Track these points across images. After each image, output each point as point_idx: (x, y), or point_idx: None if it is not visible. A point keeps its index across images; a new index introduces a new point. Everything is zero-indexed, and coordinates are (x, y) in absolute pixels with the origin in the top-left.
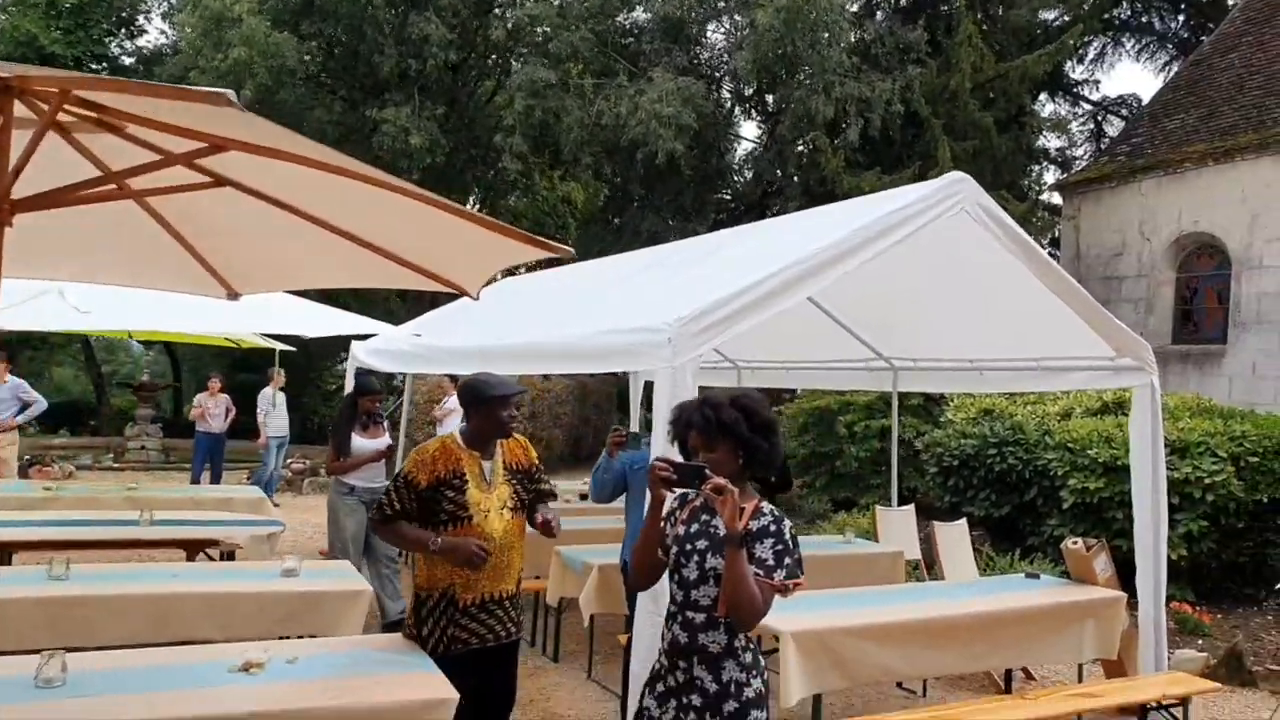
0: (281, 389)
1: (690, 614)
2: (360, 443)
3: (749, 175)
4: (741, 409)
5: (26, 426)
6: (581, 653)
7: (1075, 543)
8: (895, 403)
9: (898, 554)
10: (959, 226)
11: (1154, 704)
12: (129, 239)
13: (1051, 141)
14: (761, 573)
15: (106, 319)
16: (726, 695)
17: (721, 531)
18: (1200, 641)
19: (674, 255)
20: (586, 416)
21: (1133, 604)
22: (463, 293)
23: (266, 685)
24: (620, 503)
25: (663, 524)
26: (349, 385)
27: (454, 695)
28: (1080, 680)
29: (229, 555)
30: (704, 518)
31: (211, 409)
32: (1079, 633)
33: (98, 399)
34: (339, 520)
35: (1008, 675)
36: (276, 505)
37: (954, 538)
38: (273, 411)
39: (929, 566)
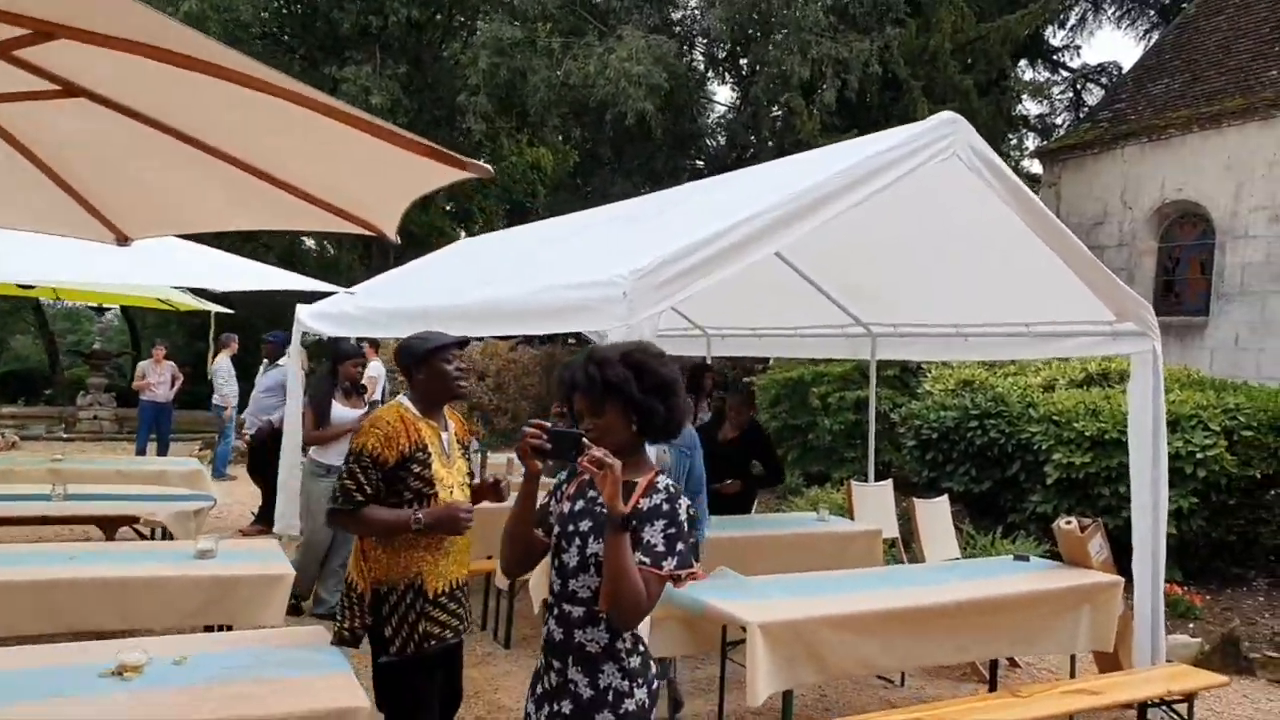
0: (232, 357)
1: (567, 606)
2: (341, 412)
3: (722, 139)
4: (633, 365)
5: None
6: (535, 639)
7: (1069, 522)
8: (873, 372)
9: (875, 532)
10: (946, 175)
11: (1156, 700)
12: None
13: (1032, 108)
14: (649, 560)
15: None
16: (601, 704)
17: (633, 509)
18: (1191, 625)
19: (638, 208)
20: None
21: (1126, 589)
22: (378, 234)
23: (141, 693)
24: None
25: (547, 499)
26: (294, 352)
27: (365, 704)
28: (1073, 671)
29: (167, 534)
30: (591, 494)
31: (154, 378)
32: (1074, 621)
33: (51, 368)
34: (314, 506)
35: (993, 665)
36: (233, 478)
37: (934, 514)
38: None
39: (907, 545)
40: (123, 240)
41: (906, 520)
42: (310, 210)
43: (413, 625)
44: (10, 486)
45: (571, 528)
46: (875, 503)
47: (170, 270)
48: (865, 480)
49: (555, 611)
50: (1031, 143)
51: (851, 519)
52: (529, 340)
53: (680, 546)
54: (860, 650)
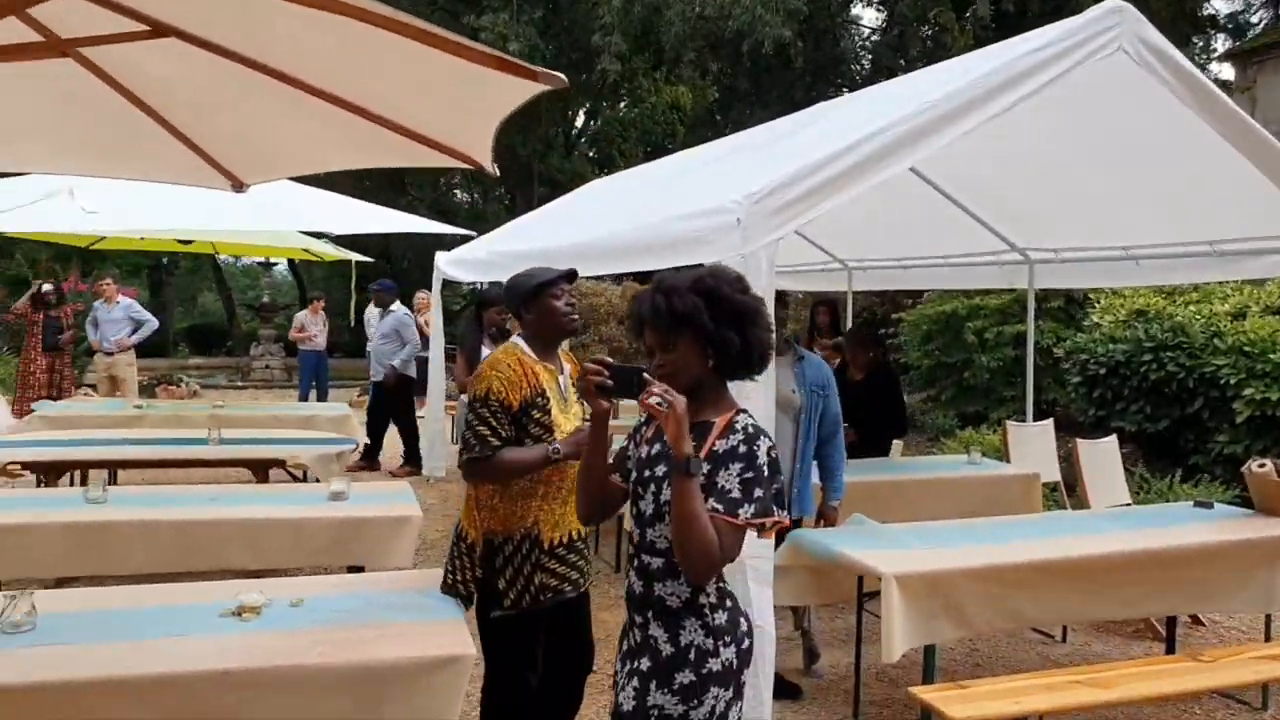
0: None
1: (646, 558)
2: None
3: (867, 64)
4: (704, 293)
5: (168, 348)
6: None
7: (1262, 465)
8: (1031, 302)
9: (1032, 477)
10: (1112, 75)
11: None
12: (97, 120)
13: (1220, 5)
14: (722, 508)
15: (114, 220)
16: (682, 662)
17: (709, 451)
18: None
19: (764, 133)
20: None
21: None
22: (475, 165)
23: (254, 635)
24: None
25: (626, 443)
26: (436, 298)
27: (472, 652)
28: (1268, 634)
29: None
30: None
31: (312, 329)
32: (1268, 577)
33: (229, 321)
34: None
35: (1170, 623)
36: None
37: (1101, 457)
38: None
39: (1070, 490)
40: (239, 186)
41: (1070, 463)
42: (408, 145)
43: (528, 577)
44: (176, 431)
45: (648, 473)
46: (1035, 444)
47: (294, 216)
48: (1024, 420)
49: (635, 563)
50: (1221, 45)
51: (1007, 462)
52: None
53: (758, 492)
54: (1009, 604)
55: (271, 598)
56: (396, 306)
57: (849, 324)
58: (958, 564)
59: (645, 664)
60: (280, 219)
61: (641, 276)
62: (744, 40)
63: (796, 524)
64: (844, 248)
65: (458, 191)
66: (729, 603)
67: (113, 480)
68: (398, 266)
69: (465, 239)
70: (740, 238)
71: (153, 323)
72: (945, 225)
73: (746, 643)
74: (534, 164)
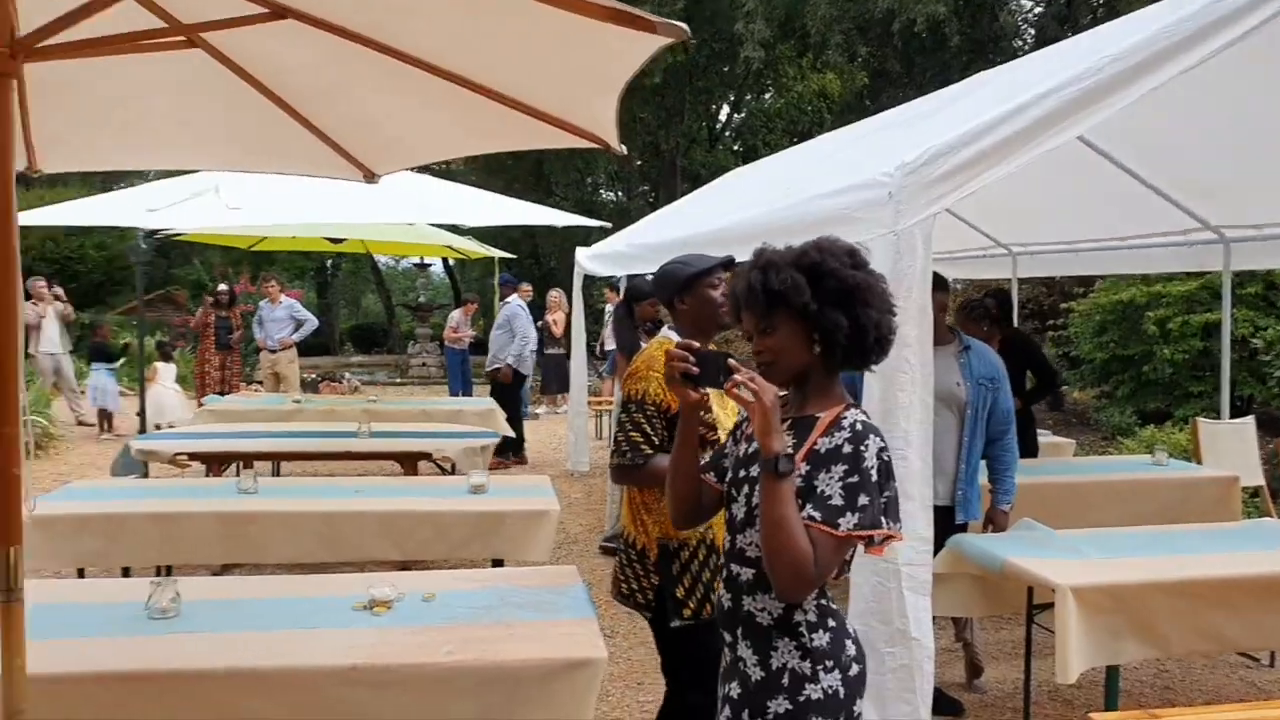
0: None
1: (736, 568)
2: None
3: (1030, 39)
4: (806, 268)
5: (333, 346)
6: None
7: None
8: (1227, 288)
9: (1230, 480)
10: None
11: None
12: (233, 113)
13: None
14: (819, 516)
15: (254, 214)
16: (774, 688)
17: (809, 450)
18: None
19: (920, 106)
20: None
21: None
22: (603, 145)
23: (383, 630)
24: None
25: (728, 440)
26: (577, 293)
27: (604, 655)
28: None
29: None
30: None
31: (463, 327)
32: None
33: (388, 321)
34: None
35: None
36: (534, 417)
37: None
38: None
39: (1276, 495)
40: (370, 177)
41: (1275, 465)
42: (534, 126)
43: (707, 585)
44: (330, 425)
45: (743, 473)
46: (1231, 444)
47: (427, 209)
48: (1217, 418)
49: (725, 574)
50: None
51: (1198, 463)
52: None
53: (864, 499)
54: (1207, 624)
55: (404, 592)
56: (512, 299)
57: (1014, 317)
58: (1146, 576)
59: (735, 690)
60: (414, 212)
61: None
62: (894, 19)
63: (962, 529)
64: (1007, 231)
65: (603, 191)
66: (831, 622)
67: (276, 471)
68: (545, 267)
69: (606, 232)
70: (892, 213)
71: (312, 322)
72: (1122, 202)
73: (855, 669)
74: (677, 159)
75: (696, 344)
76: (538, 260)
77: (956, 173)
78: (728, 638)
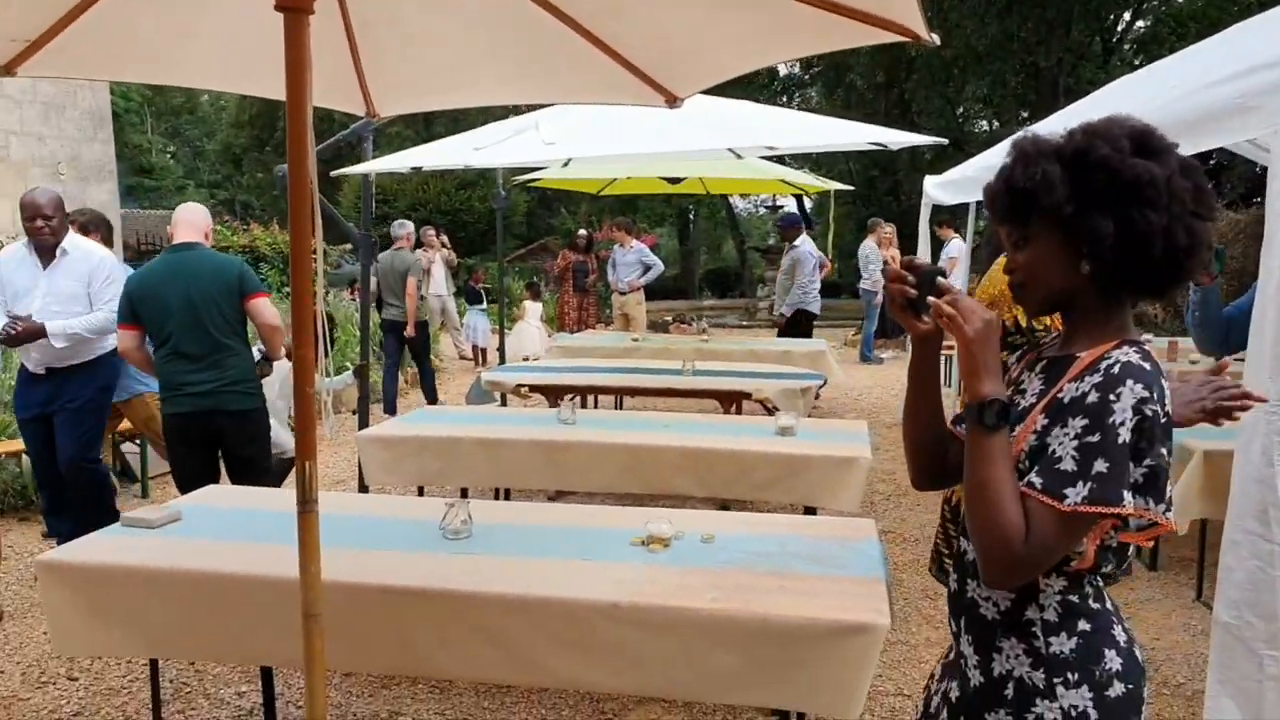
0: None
1: (964, 542)
2: None
3: None
4: (1068, 158)
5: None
6: (1189, 562)
7: None
8: None
9: None
10: None
11: None
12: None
13: None
14: (1040, 482)
15: (566, 148)
16: (994, 700)
17: (1033, 399)
18: None
19: None
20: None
21: None
22: (911, 36)
23: (654, 568)
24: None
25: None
26: (923, 228)
27: (886, 622)
28: None
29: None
30: (1030, 374)
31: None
32: None
33: (740, 265)
34: None
35: None
36: (879, 361)
37: None
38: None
39: None
40: (672, 101)
41: None
42: (837, 22)
43: None
44: (662, 362)
45: None
46: None
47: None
48: None
49: (955, 547)
50: None
51: None
52: (1233, 203)
53: (1100, 467)
54: None
55: (683, 531)
56: (801, 241)
57: None
58: None
59: (954, 691)
60: (726, 137)
61: None
62: None
63: None
64: None
65: (976, 120)
66: (1084, 625)
67: (619, 404)
68: (905, 204)
69: (957, 154)
70: None
71: (658, 266)
72: None
73: (1118, 689)
74: (1059, 78)
75: (918, 259)
76: (897, 197)
77: None
78: (953, 626)
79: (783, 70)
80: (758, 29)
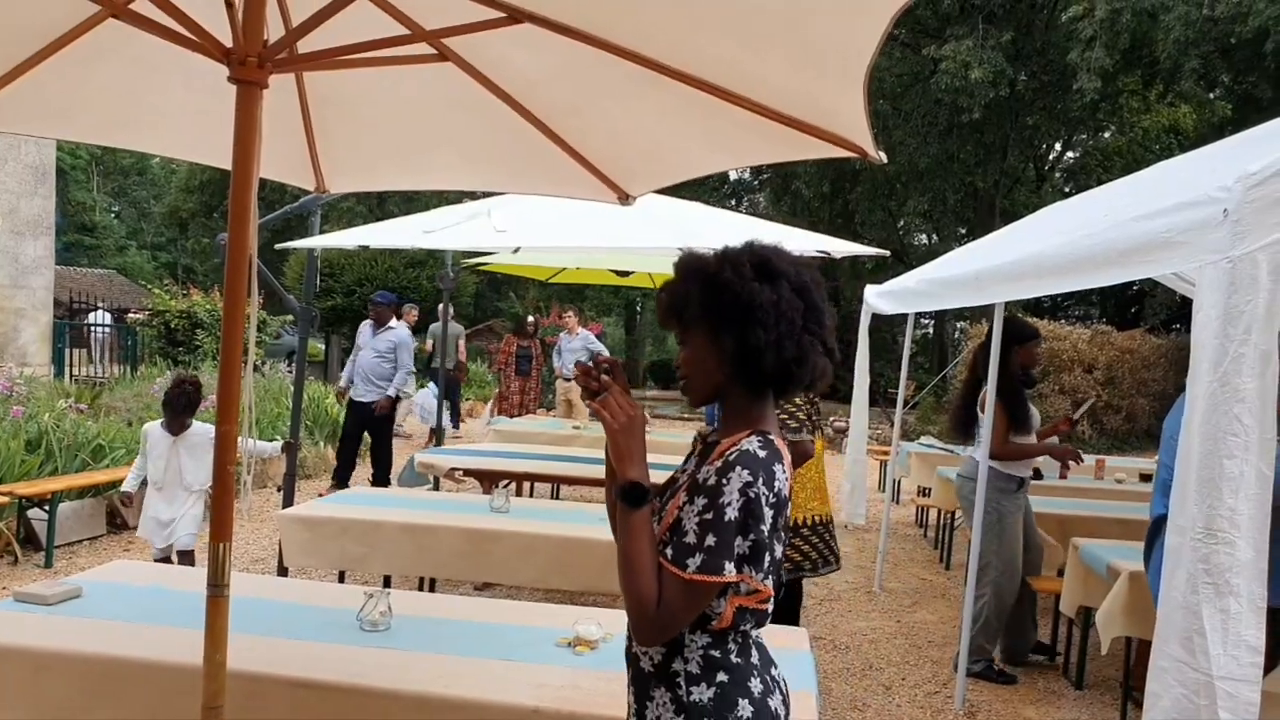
0: None
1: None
2: (1035, 414)
3: None
4: (710, 275)
5: (636, 379)
6: (1114, 682)
7: None
8: None
9: None
10: None
11: None
12: (490, 131)
13: None
14: (670, 553)
15: (517, 236)
16: None
17: (685, 478)
18: None
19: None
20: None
21: None
22: (859, 152)
23: (578, 671)
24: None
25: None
26: (863, 334)
27: None
28: None
29: None
30: (694, 455)
31: None
32: None
33: None
34: (1005, 532)
35: None
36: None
37: None
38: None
39: None
40: (624, 198)
41: None
42: (787, 135)
43: None
44: (599, 452)
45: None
46: None
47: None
48: None
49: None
50: None
51: None
52: (1155, 328)
53: (710, 540)
54: None
55: (613, 632)
56: (395, 323)
57: None
58: None
59: None
60: (675, 237)
61: (1119, 312)
62: (1266, 39)
63: None
64: None
65: (915, 234)
66: (722, 676)
67: (556, 494)
68: (845, 309)
69: (895, 265)
70: (1228, 236)
71: (605, 355)
72: None
73: None
74: (997, 200)
75: (603, 357)
76: (837, 302)
77: None
78: (626, 676)
79: (733, 175)
80: (711, 136)
